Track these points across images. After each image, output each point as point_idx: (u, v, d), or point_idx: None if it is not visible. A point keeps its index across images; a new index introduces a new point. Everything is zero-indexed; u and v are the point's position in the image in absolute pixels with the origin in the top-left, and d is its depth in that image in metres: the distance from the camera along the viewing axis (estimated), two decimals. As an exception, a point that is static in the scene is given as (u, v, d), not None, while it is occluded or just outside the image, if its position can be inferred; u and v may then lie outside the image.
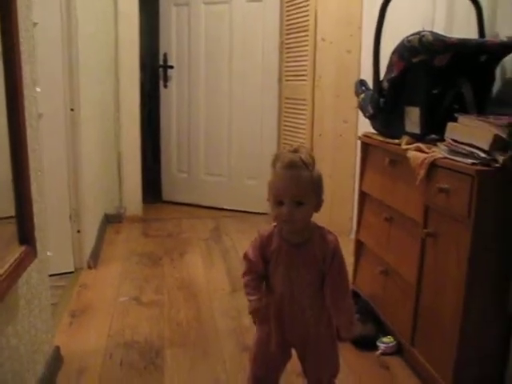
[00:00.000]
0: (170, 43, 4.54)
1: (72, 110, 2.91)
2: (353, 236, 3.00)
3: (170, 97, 4.63)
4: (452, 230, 1.79)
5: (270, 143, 4.31)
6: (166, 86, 4.62)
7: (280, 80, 4.21)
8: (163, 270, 3.16)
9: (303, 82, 3.79)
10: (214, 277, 3.09)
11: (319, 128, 3.73)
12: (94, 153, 3.45)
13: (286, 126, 4.15)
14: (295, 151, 1.51)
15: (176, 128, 4.66)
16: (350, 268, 2.65)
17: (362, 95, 2.55)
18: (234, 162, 4.50)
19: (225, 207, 4.53)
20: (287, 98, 4.10)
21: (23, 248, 1.58)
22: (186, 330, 2.43)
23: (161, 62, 4.59)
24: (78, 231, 3.06)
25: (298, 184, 1.47)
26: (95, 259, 3.22)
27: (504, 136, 1.64)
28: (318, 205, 1.55)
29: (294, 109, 4.00)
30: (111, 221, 4.07)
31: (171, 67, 4.55)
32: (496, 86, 2.11)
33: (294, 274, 1.57)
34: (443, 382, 1.85)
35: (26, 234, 1.61)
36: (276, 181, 1.50)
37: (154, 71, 4.83)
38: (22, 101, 1.55)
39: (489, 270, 1.74)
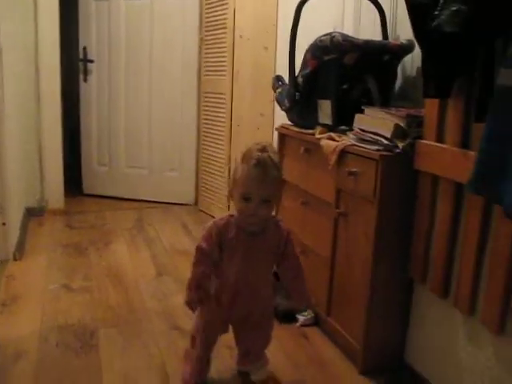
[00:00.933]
0: (90, 37, 4.56)
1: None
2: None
3: (90, 91, 4.65)
4: (360, 209, 2.03)
5: (190, 136, 4.47)
6: (85, 80, 4.65)
7: (199, 75, 4.35)
8: (89, 259, 3.24)
9: (222, 77, 3.95)
10: (139, 263, 3.21)
11: (237, 121, 3.91)
12: (16, 147, 3.47)
13: (205, 119, 4.31)
14: (263, 150, 1.62)
15: (96, 122, 4.69)
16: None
17: (279, 89, 2.75)
18: (154, 154, 4.60)
19: (146, 199, 4.62)
20: (206, 92, 4.25)
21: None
22: (118, 312, 2.55)
23: (80, 56, 4.60)
24: (4, 223, 3.09)
25: (266, 183, 1.61)
26: (21, 251, 3.26)
27: (403, 125, 1.89)
28: (279, 200, 1.77)
29: (213, 102, 4.16)
30: (33, 214, 4.07)
31: (91, 61, 4.58)
32: (398, 83, 2.37)
33: (251, 261, 1.73)
34: (355, 345, 2.10)
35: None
36: (245, 178, 1.62)
37: (71, 65, 4.83)
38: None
39: (392, 243, 1.98)
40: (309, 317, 2.44)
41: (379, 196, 1.89)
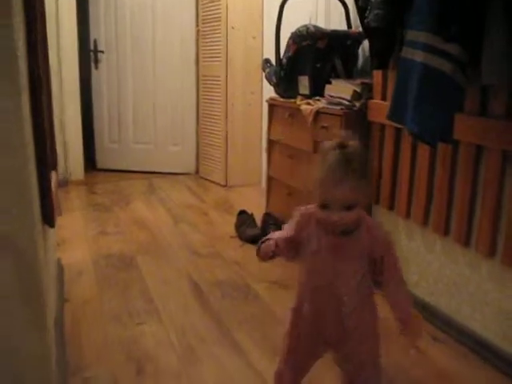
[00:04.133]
0: (99, 30, 5.25)
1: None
2: (263, 185, 3.98)
3: (101, 77, 5.35)
4: (331, 154, 2.77)
5: (190, 114, 5.22)
6: (96, 68, 5.34)
7: (197, 61, 5.08)
8: (116, 214, 3.97)
9: (217, 63, 4.69)
10: (158, 215, 3.95)
11: (232, 99, 4.66)
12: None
13: (204, 98, 5.04)
14: (342, 146, 1.34)
15: (107, 104, 5.40)
16: (264, 197, 3.66)
17: (268, 70, 3.49)
18: (159, 131, 5.32)
19: (153, 170, 5.34)
20: (204, 76, 4.98)
21: None
22: (148, 246, 3.28)
23: (91, 47, 5.29)
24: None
25: (346, 187, 1.31)
26: (59, 208, 3.97)
27: (359, 90, 2.65)
28: (366, 200, 1.43)
29: (210, 84, 4.89)
30: (59, 185, 4.77)
31: (101, 52, 5.28)
32: (360, 62, 3.12)
33: (334, 265, 1.42)
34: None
35: None
36: (322, 184, 1.35)
37: (82, 55, 5.49)
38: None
39: (354, 177, 2.73)
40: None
41: (343, 142, 2.65)
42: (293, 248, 1.46)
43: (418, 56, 1.75)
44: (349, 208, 1.33)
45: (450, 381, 1.93)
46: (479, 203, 2.04)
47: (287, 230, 1.48)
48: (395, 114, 1.90)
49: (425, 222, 2.35)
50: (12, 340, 1.46)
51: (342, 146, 1.33)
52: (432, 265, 2.34)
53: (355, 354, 1.50)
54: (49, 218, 1.76)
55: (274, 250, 1.43)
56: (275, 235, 1.48)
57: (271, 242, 1.44)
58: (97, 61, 5.32)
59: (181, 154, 5.33)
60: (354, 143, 1.37)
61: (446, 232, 2.23)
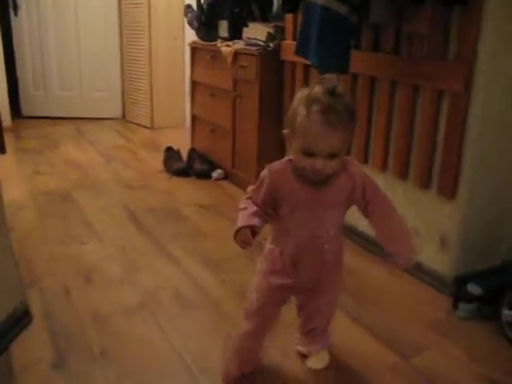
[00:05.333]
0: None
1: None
2: (188, 127, 4.25)
3: (22, 24, 5.36)
4: (248, 91, 3.09)
5: (115, 60, 5.37)
6: (16, 15, 5.34)
7: (120, 9, 5.20)
8: (47, 157, 4.14)
9: (141, 9, 4.85)
10: (89, 156, 4.16)
11: (155, 44, 4.86)
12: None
13: (128, 45, 5.20)
14: (332, 93, 1.28)
15: (29, 52, 5.43)
16: (188, 136, 3.96)
17: (189, 15, 3.72)
18: (84, 77, 5.44)
19: (80, 116, 5.48)
20: (128, 23, 5.13)
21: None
22: (82, 182, 3.51)
23: (9, -7, 5.28)
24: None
25: (335, 137, 1.27)
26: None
27: (272, 32, 2.95)
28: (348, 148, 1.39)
29: (134, 31, 5.05)
30: (-14, 131, 4.85)
31: (20, -3, 5.28)
32: (274, 7, 3.40)
33: (316, 216, 1.41)
34: (252, 183, 3.19)
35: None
36: (309, 130, 1.28)
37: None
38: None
39: (270, 111, 3.06)
40: (220, 172, 3.51)
41: (259, 79, 2.96)
42: (267, 212, 1.42)
43: (319, 0, 2.06)
44: (332, 156, 1.30)
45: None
46: (374, 126, 2.41)
47: (257, 198, 1.41)
48: (301, 49, 2.22)
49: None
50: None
51: (330, 93, 1.28)
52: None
53: (323, 291, 1.56)
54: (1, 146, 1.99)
55: (251, 237, 1.34)
56: (245, 216, 1.38)
57: (244, 230, 1.34)
58: (16, 7, 5.32)
59: (107, 99, 5.49)
60: (341, 90, 1.31)
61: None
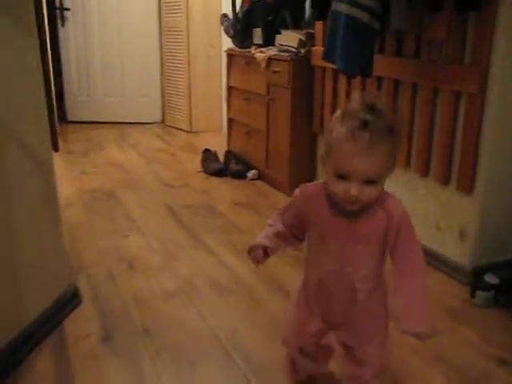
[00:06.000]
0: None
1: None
2: (225, 130, 4.45)
3: (68, 34, 5.66)
4: (281, 95, 3.26)
5: (155, 67, 5.63)
6: (63, 25, 5.64)
7: (160, 17, 5.45)
8: (93, 158, 4.39)
9: (179, 18, 5.07)
10: (130, 158, 4.39)
11: (193, 51, 5.08)
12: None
13: (167, 51, 5.44)
14: (372, 109, 1.12)
15: (75, 60, 5.72)
16: (225, 138, 4.15)
17: (225, 23, 3.92)
18: (126, 84, 5.70)
19: (122, 121, 5.74)
20: (167, 30, 5.37)
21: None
22: (125, 182, 3.73)
23: (57, 5, 5.58)
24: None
25: (373, 160, 1.12)
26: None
27: (304, 39, 3.12)
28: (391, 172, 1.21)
29: (173, 38, 5.29)
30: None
31: (67, 9, 5.57)
32: (306, 15, 3.57)
33: (346, 250, 1.27)
34: (284, 182, 3.36)
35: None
36: (341, 148, 1.14)
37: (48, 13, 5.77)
38: None
39: (302, 114, 3.22)
40: (255, 173, 3.69)
41: (291, 84, 3.13)
42: (294, 234, 1.37)
43: (343, 9, 2.22)
44: (370, 182, 1.14)
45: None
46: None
47: (285, 218, 1.35)
48: (328, 55, 2.38)
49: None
50: (39, 236, 1.92)
51: (370, 108, 1.13)
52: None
53: (358, 336, 1.39)
54: (55, 144, 2.21)
55: (263, 258, 1.31)
56: (264, 234, 1.34)
57: (257, 248, 1.31)
58: (63, 19, 5.62)
59: (147, 104, 5.74)
60: (384, 105, 1.16)
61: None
